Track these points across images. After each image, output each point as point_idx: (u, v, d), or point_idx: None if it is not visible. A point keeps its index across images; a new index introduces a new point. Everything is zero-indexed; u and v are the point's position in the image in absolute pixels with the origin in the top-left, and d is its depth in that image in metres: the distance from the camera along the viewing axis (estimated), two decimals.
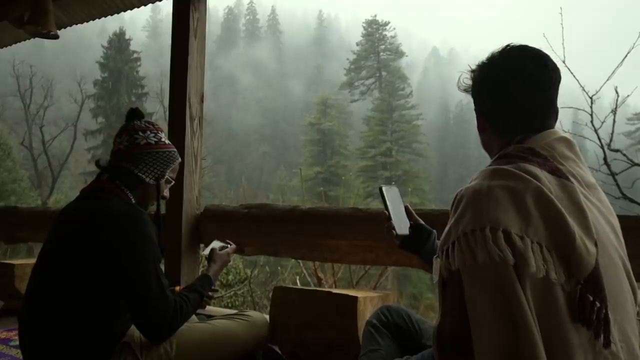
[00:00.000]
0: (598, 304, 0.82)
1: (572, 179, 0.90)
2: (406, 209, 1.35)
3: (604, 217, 0.93)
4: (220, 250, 1.76)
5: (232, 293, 6.55)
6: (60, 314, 1.33)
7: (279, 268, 7.88)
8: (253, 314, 1.75)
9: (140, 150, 1.50)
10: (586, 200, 0.89)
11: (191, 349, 1.46)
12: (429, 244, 1.32)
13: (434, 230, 1.35)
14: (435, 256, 0.92)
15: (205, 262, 1.76)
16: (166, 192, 1.58)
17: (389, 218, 1.29)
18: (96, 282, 1.34)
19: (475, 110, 1.08)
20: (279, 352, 1.90)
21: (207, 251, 1.78)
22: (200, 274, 1.77)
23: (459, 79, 1.10)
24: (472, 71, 1.07)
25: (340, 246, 2.13)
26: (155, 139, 1.53)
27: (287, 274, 7.45)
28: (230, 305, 6.43)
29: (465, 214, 0.84)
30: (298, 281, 5.96)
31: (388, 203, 1.30)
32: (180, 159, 1.61)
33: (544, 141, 0.96)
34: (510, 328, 0.75)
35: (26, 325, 1.40)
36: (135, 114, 1.57)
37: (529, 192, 0.83)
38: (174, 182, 1.61)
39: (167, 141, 1.57)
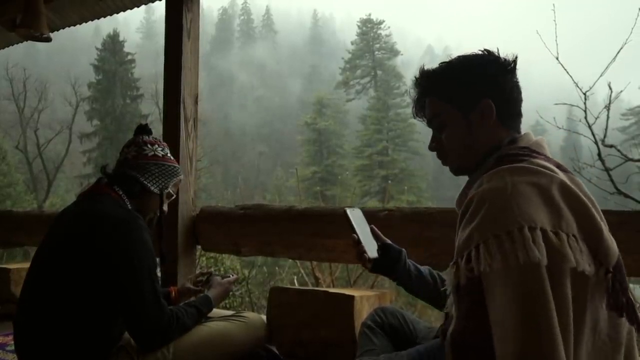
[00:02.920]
0: (626, 292, 0.84)
1: (573, 173, 0.92)
2: (372, 230, 1.30)
3: None
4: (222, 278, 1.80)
5: (229, 294, 6.54)
6: (56, 318, 1.33)
7: (277, 268, 7.88)
8: (250, 315, 1.75)
9: (147, 160, 1.56)
10: None
11: (188, 351, 1.46)
12: (401, 263, 1.27)
13: (403, 249, 1.31)
14: (452, 263, 0.88)
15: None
16: (165, 207, 1.62)
17: (358, 242, 1.22)
18: (91, 285, 1.33)
19: (469, 101, 1.01)
20: (277, 352, 1.90)
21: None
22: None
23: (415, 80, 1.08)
24: (459, 59, 1.05)
25: (337, 245, 2.13)
26: (163, 153, 1.60)
27: (285, 274, 7.46)
28: (228, 306, 6.42)
29: (492, 215, 0.81)
30: (296, 281, 5.96)
31: (355, 226, 1.24)
32: (183, 177, 1.66)
33: (532, 141, 0.98)
34: (535, 332, 0.73)
35: (22, 328, 1.39)
36: (144, 130, 1.64)
37: (554, 186, 0.83)
38: (174, 196, 1.66)
39: (172, 157, 1.64)
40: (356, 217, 1.27)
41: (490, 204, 0.82)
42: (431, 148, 1.09)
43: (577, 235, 0.80)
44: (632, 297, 0.84)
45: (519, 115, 1.03)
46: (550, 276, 0.75)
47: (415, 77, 1.09)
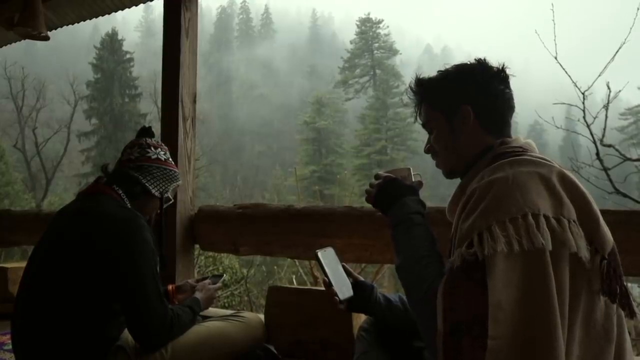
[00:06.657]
0: (620, 279, 0.85)
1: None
2: (344, 267, 1.32)
3: None
4: (213, 277, 1.82)
5: (228, 293, 6.55)
6: (53, 317, 1.32)
7: (275, 267, 7.88)
8: (248, 315, 1.75)
9: (150, 163, 1.57)
10: None
11: (186, 351, 1.45)
12: (373, 298, 1.30)
13: (375, 285, 1.35)
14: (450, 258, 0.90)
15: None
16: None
17: (329, 284, 1.24)
18: (90, 285, 1.33)
19: (451, 107, 1.07)
20: (275, 352, 1.89)
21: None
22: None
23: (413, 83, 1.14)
24: (452, 67, 1.11)
25: (335, 245, 2.12)
26: (165, 157, 1.62)
27: (284, 273, 7.45)
28: (227, 305, 6.43)
29: (495, 203, 0.83)
30: (294, 280, 5.96)
31: (326, 268, 1.25)
32: (180, 182, 1.67)
33: (521, 142, 1.03)
34: (534, 319, 0.74)
35: (19, 327, 1.39)
36: (147, 132, 1.65)
37: (554, 175, 0.86)
38: (172, 201, 1.67)
39: (173, 162, 1.66)
40: (328, 257, 1.28)
41: (493, 193, 0.84)
42: (425, 150, 1.18)
43: (577, 221, 0.82)
44: (625, 285, 0.86)
45: (504, 123, 1.07)
46: (551, 262, 0.77)
47: (409, 86, 1.17)
